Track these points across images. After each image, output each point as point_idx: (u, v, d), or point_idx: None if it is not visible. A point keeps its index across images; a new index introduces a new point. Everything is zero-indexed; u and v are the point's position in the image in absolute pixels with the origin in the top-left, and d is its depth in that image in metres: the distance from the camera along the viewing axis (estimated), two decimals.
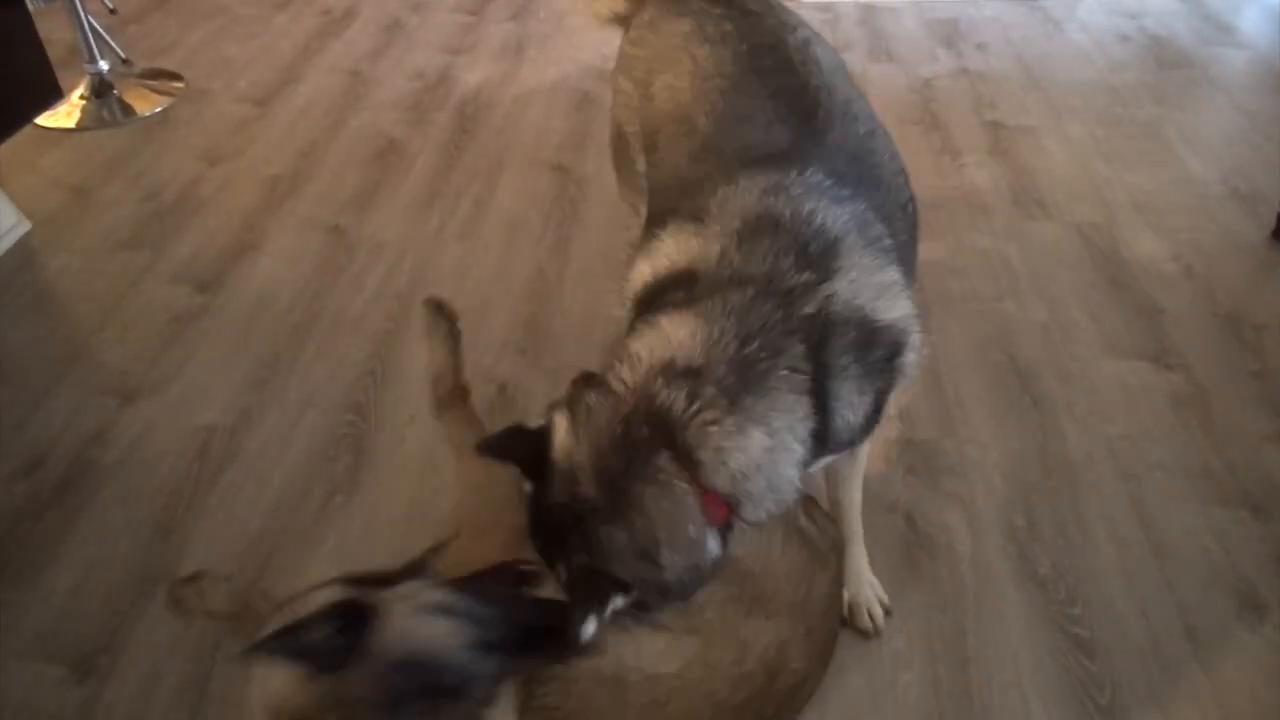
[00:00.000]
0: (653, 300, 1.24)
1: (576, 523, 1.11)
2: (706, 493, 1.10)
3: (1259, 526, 1.75)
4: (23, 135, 2.94)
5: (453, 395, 1.56)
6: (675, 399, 1.10)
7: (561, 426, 1.15)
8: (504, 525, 1.32)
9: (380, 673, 1.08)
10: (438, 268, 2.46)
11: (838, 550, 1.51)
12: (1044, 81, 3.27)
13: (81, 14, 3.17)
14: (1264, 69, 3.34)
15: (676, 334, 1.14)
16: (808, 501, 1.51)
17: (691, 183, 1.36)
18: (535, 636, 1.14)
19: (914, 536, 1.75)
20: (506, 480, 1.31)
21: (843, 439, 1.22)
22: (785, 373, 1.12)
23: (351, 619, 1.08)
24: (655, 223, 1.36)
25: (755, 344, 1.12)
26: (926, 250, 2.44)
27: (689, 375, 1.11)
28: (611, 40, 3.64)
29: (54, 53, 2.87)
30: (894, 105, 3.14)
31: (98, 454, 1.97)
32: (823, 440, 1.17)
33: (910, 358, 1.25)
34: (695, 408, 1.09)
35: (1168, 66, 3.35)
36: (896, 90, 3.23)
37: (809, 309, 1.16)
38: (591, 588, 1.08)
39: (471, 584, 1.16)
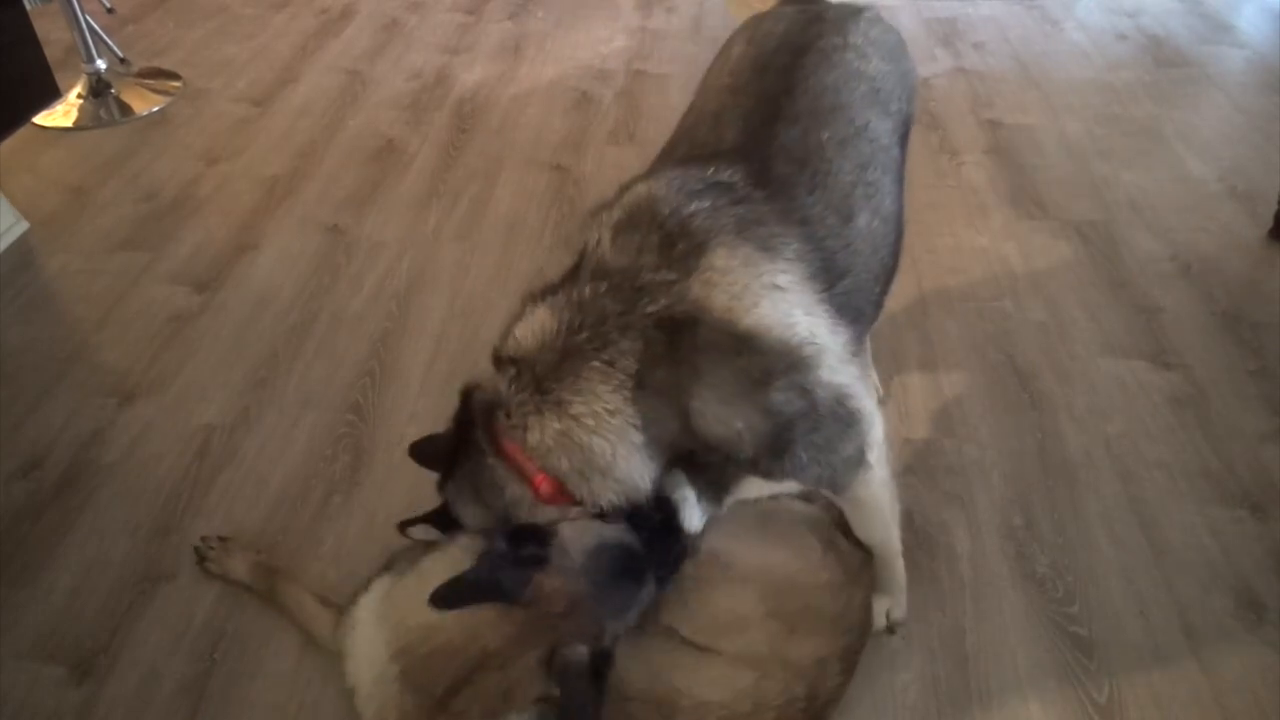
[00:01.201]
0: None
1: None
2: (513, 462, 1.22)
3: (1257, 525, 1.75)
4: (20, 135, 2.94)
5: (273, 580, 1.65)
6: (501, 382, 1.24)
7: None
8: None
9: (575, 569, 1.16)
10: (436, 267, 2.46)
11: (868, 567, 1.49)
12: (1042, 80, 3.27)
13: (79, 14, 3.17)
14: (1262, 68, 3.34)
15: (526, 324, 1.24)
16: (842, 519, 1.50)
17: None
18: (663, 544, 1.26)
19: (912, 535, 1.74)
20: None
21: (739, 457, 1.20)
22: (598, 365, 1.17)
23: (528, 540, 1.17)
24: None
25: (584, 335, 1.18)
26: (925, 249, 2.46)
27: (514, 363, 1.23)
28: (610, 40, 3.67)
29: (51, 52, 2.87)
30: None
31: (96, 454, 1.97)
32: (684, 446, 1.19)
33: (817, 377, 1.20)
34: (512, 390, 1.22)
35: (1165, 65, 3.35)
36: None
37: (653, 307, 1.17)
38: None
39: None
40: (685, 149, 1.42)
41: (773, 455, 1.22)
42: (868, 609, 1.46)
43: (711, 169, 1.29)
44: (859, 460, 1.31)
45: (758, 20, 1.64)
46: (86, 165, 2.95)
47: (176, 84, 3.39)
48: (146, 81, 3.38)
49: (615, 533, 1.22)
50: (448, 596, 1.14)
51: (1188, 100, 3.15)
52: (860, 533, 1.49)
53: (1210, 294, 2.29)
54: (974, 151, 2.89)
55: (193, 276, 2.46)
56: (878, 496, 1.41)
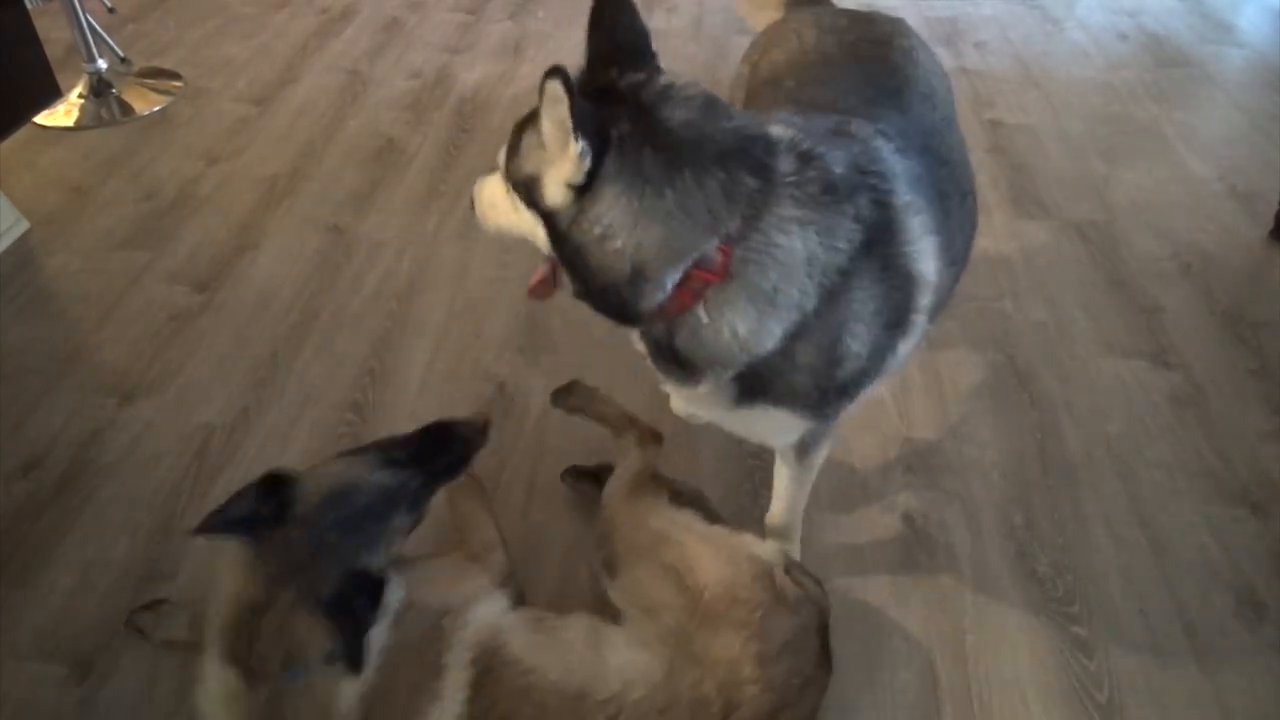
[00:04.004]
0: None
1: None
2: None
3: (1257, 524, 1.75)
4: (21, 134, 2.95)
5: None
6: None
7: None
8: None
9: (314, 514, 1.26)
10: (436, 267, 2.46)
11: (814, 607, 1.40)
12: (1042, 80, 3.27)
13: (80, 13, 3.17)
14: (1262, 67, 3.34)
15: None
16: (792, 564, 1.45)
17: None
18: (443, 450, 1.48)
19: (913, 535, 1.75)
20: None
21: (826, 379, 1.23)
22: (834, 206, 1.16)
23: (274, 488, 1.27)
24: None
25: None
26: None
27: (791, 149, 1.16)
28: None
29: (52, 52, 2.87)
30: None
31: (96, 454, 1.97)
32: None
33: (899, 346, 1.25)
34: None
35: (1166, 65, 3.35)
36: None
37: (864, 201, 1.17)
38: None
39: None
40: (793, 105, 1.39)
41: (834, 394, 1.25)
42: (799, 645, 1.37)
43: (863, 121, 1.28)
44: (827, 427, 1.41)
45: (813, 13, 1.67)
46: (87, 165, 2.95)
47: (177, 84, 3.39)
48: (147, 81, 3.38)
49: (356, 472, 1.36)
50: (205, 524, 1.24)
51: (1188, 100, 3.15)
52: (784, 510, 1.59)
53: (1210, 293, 2.29)
54: (975, 151, 2.87)
55: (193, 276, 2.46)
56: (815, 467, 1.53)
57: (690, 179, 1.08)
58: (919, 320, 1.26)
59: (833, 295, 1.14)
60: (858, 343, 1.20)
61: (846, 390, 1.26)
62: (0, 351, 2.23)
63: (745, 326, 1.14)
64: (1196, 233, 2.50)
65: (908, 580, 1.67)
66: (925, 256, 1.22)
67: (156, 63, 3.52)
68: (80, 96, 3.24)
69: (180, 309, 2.35)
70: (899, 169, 1.23)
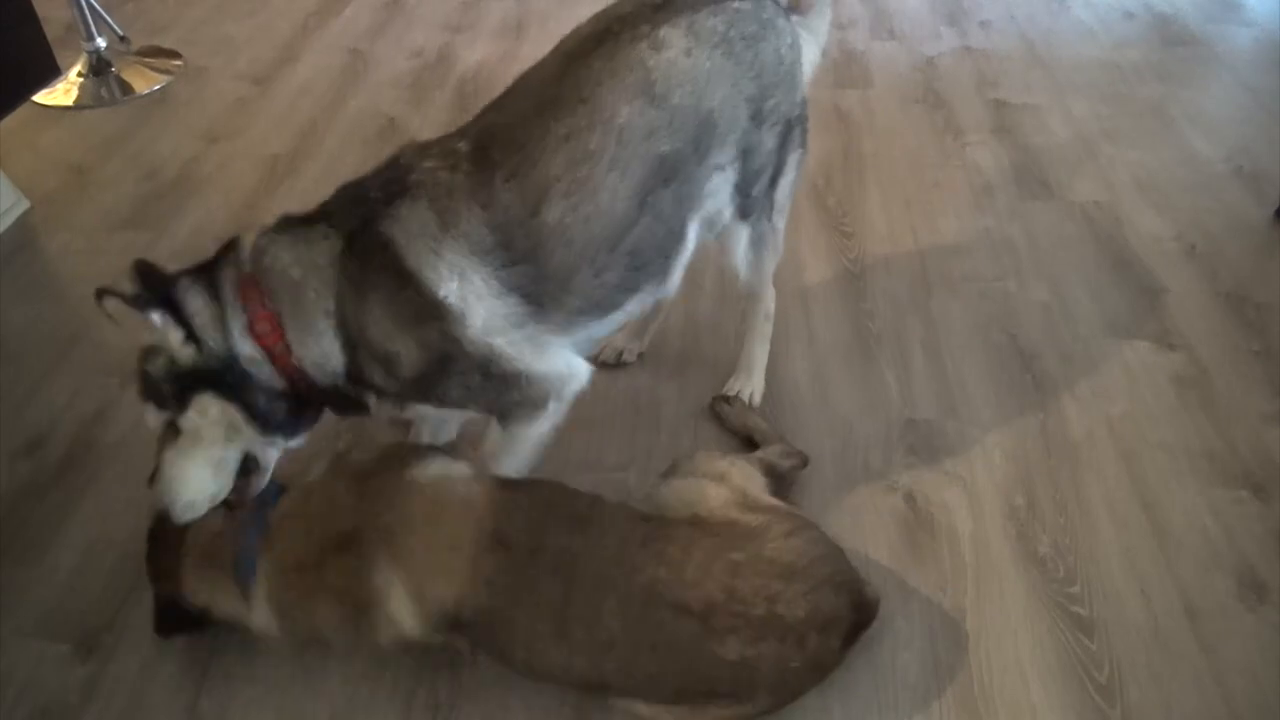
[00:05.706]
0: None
1: None
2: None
3: (1259, 506, 1.75)
4: (21, 113, 2.93)
5: None
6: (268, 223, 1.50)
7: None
8: None
9: None
10: None
11: (813, 576, 1.38)
12: (1048, 59, 3.25)
13: None
14: (1270, 47, 3.32)
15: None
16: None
17: None
18: None
19: (914, 516, 1.75)
20: None
21: (400, 375, 1.42)
22: (320, 231, 1.47)
23: None
24: None
25: (330, 203, 1.50)
26: (929, 229, 2.45)
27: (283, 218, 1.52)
28: None
29: (52, 30, 2.85)
30: (897, 83, 3.12)
31: (99, 433, 1.97)
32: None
33: (462, 331, 1.38)
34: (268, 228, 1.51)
35: (1172, 44, 3.32)
36: (899, 68, 3.21)
37: (363, 214, 1.41)
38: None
39: None
40: (475, 118, 1.52)
41: (427, 383, 1.42)
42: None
43: (453, 137, 1.45)
44: (530, 407, 1.51)
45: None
46: (87, 144, 2.94)
47: (177, 62, 3.38)
48: (147, 60, 3.37)
49: None
50: None
51: (1194, 79, 3.13)
52: (493, 461, 1.60)
53: (1215, 275, 2.29)
54: (979, 131, 2.87)
55: (194, 256, 2.41)
56: (528, 438, 1.57)
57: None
58: (463, 305, 1.37)
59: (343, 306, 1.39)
60: (393, 343, 1.38)
61: (426, 385, 1.42)
62: (2, 331, 2.24)
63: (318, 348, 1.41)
64: (1201, 213, 2.49)
65: (909, 561, 1.67)
66: (429, 265, 1.36)
67: (156, 41, 3.51)
68: (80, 75, 3.23)
69: None
70: (429, 184, 1.39)
